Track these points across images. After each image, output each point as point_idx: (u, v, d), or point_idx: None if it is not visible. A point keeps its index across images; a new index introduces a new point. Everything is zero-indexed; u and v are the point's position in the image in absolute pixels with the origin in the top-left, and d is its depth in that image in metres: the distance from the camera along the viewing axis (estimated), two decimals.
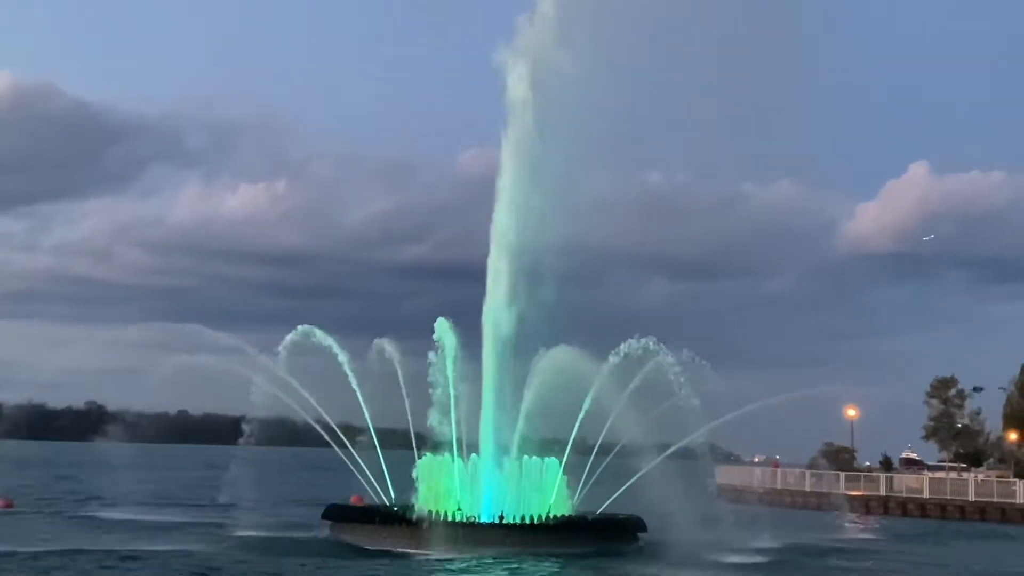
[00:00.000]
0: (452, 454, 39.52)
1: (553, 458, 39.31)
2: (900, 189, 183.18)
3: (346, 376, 42.11)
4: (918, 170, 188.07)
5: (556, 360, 38.85)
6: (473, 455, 39.64)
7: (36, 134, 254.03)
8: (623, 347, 39.76)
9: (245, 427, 40.04)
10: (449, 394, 40.20)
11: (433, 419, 39.88)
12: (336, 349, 42.53)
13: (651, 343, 39.60)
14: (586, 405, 39.17)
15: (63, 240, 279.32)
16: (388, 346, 42.51)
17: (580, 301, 41.96)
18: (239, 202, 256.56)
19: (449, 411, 40.05)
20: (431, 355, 40.62)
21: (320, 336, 42.54)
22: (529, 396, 38.99)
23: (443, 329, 41.49)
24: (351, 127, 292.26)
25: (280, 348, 41.77)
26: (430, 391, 40.13)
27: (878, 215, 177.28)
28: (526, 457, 39.09)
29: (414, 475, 39.48)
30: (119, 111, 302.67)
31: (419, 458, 40.36)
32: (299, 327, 42.45)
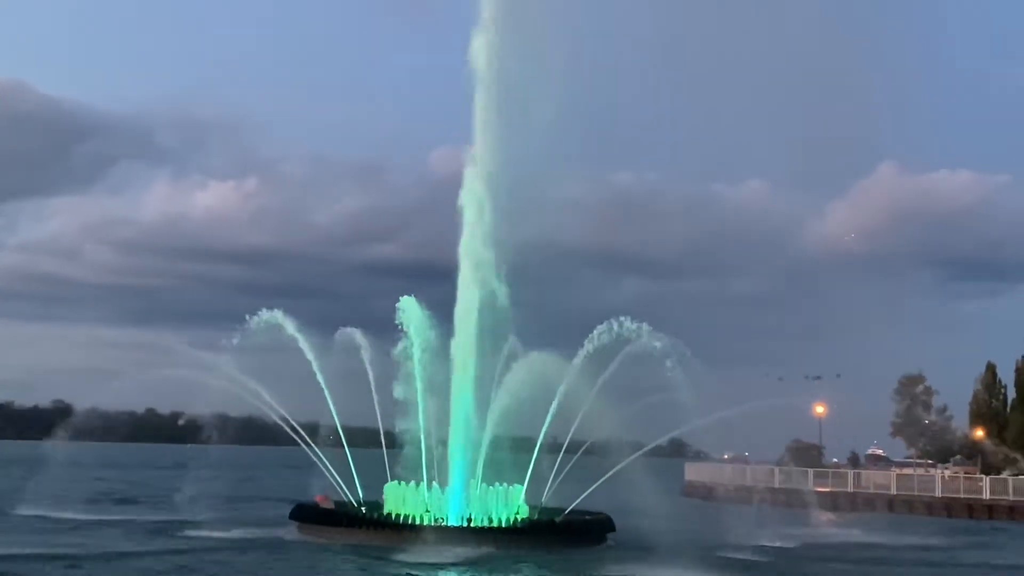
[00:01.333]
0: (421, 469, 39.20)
1: (519, 486, 39.01)
2: (869, 188, 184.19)
3: (314, 374, 41.67)
4: (887, 169, 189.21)
5: (531, 366, 38.46)
6: (436, 486, 39.21)
7: (4, 131, 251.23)
8: (598, 331, 39.57)
9: (180, 422, 39.40)
10: (415, 376, 39.75)
11: (399, 403, 39.54)
12: (296, 334, 41.92)
13: (640, 326, 39.41)
14: (553, 409, 38.99)
15: (30, 238, 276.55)
16: (356, 335, 42.05)
17: (550, 300, 41.80)
18: (209, 201, 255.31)
19: (417, 401, 39.64)
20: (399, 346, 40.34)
21: (281, 319, 41.96)
22: (499, 402, 38.62)
23: (410, 308, 41.10)
24: (322, 126, 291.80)
25: (248, 325, 41.27)
26: (396, 384, 39.83)
27: (847, 215, 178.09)
28: (493, 486, 38.62)
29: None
30: (89, 109, 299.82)
31: (386, 454, 40.18)
32: (264, 312, 41.92)
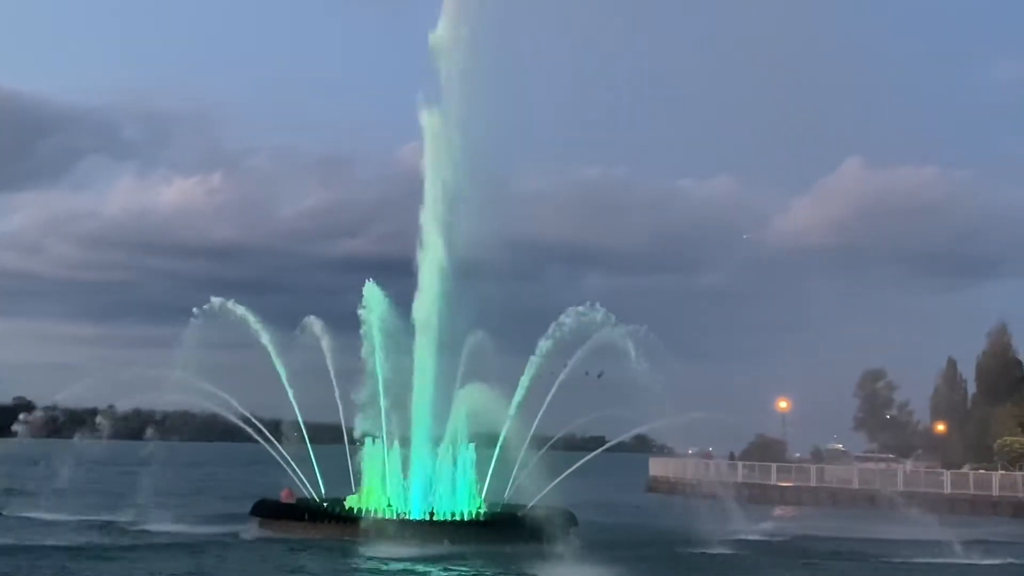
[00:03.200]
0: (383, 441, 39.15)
1: (481, 481, 39.10)
2: (834, 183, 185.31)
3: (276, 368, 41.32)
4: (852, 164, 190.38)
5: (471, 400, 38.05)
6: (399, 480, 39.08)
7: None
8: (563, 316, 39.66)
9: (102, 421, 38.80)
10: (376, 362, 39.57)
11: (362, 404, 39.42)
12: (250, 320, 41.51)
13: (602, 313, 39.36)
14: (512, 411, 39.06)
15: None
16: (316, 325, 41.74)
17: (515, 295, 41.71)
18: (174, 195, 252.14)
19: (378, 388, 39.43)
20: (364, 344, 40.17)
21: (232, 306, 41.54)
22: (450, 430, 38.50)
23: (372, 293, 40.83)
24: (288, 120, 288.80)
25: (194, 315, 40.78)
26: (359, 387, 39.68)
27: (812, 210, 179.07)
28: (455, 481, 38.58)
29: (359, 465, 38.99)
30: (53, 102, 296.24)
31: (350, 452, 39.99)
32: (213, 299, 41.42)
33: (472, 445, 38.82)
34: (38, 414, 41.61)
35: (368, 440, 39.50)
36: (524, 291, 40.22)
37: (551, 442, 41.96)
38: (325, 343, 41.40)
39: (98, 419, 39.22)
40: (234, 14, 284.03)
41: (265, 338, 41.16)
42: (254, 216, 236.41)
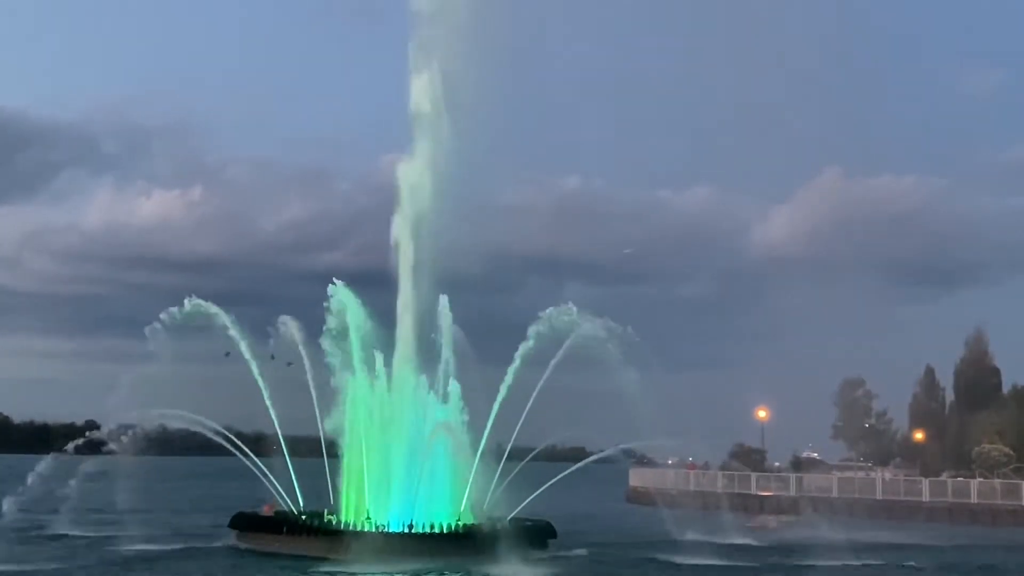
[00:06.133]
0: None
1: (461, 492, 38.95)
2: (812, 192, 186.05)
3: (256, 384, 40.94)
4: (830, 174, 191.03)
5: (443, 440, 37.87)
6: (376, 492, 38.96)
7: None
8: (543, 315, 39.72)
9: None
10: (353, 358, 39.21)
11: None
12: (225, 320, 40.97)
13: (572, 311, 39.52)
14: (489, 425, 39.01)
15: None
16: (290, 323, 41.23)
17: (496, 306, 41.66)
18: (152, 208, 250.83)
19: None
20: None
21: (206, 306, 40.98)
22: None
23: (342, 294, 40.42)
24: (267, 133, 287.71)
25: (161, 318, 40.04)
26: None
27: (790, 219, 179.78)
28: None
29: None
30: (31, 116, 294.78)
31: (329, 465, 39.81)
32: (187, 301, 40.78)
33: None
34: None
35: (347, 452, 39.33)
36: (504, 303, 40.19)
37: (532, 454, 41.95)
38: (300, 342, 41.02)
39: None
40: (212, 25, 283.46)
41: (244, 345, 40.80)
42: (233, 229, 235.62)
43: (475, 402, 39.52)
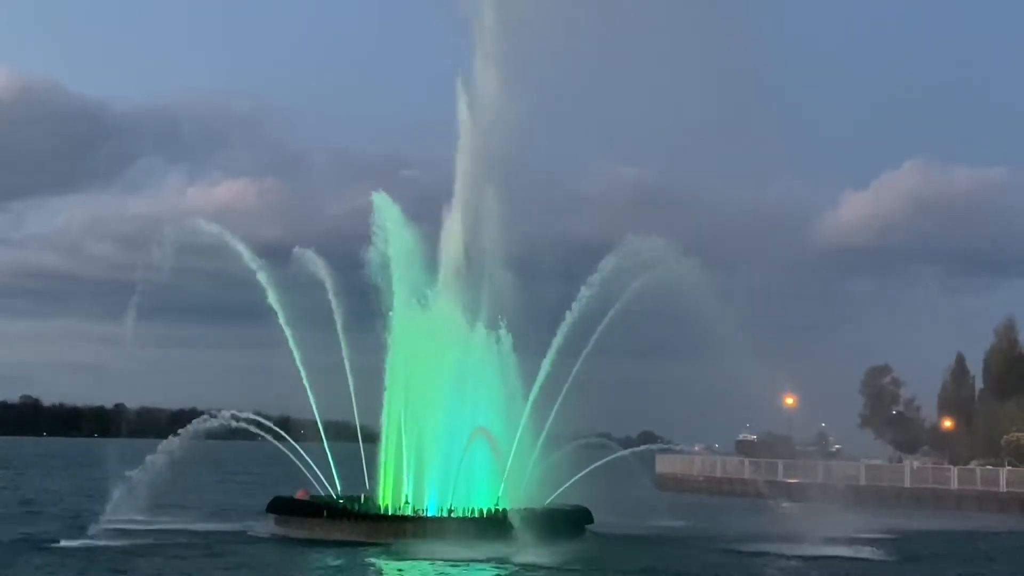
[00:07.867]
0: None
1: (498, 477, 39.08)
2: (889, 183, 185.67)
3: (289, 369, 41.14)
4: (909, 165, 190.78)
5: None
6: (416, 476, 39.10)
7: (32, 130, 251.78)
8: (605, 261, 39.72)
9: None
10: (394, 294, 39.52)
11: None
12: (248, 259, 42.43)
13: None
14: (526, 413, 39.08)
15: (36, 232, 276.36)
16: (312, 256, 41.89)
17: (558, 296, 41.55)
18: (223, 196, 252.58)
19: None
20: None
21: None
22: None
23: (383, 203, 40.80)
24: (344, 122, 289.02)
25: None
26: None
27: (859, 209, 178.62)
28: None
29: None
30: (110, 107, 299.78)
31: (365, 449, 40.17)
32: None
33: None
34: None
35: (384, 436, 39.65)
36: (567, 292, 40.17)
37: (583, 440, 42.22)
38: (326, 275, 41.68)
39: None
40: (294, 17, 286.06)
41: (285, 325, 41.08)
42: (301, 215, 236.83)
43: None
